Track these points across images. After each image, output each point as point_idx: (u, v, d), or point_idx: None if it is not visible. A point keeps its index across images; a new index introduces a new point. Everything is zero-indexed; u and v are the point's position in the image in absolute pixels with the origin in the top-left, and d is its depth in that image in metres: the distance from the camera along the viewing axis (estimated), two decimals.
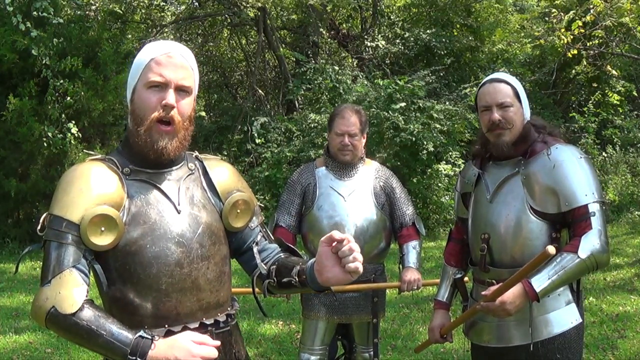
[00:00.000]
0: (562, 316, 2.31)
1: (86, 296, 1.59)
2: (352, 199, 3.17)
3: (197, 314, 1.71)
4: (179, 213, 1.72)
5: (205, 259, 1.73)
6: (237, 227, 1.86)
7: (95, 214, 1.59)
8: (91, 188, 1.63)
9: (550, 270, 2.17)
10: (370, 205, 3.19)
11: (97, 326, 1.54)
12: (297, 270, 1.74)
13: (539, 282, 2.17)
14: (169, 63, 1.68)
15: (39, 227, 1.65)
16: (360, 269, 1.57)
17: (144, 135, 1.68)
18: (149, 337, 1.56)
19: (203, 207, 1.78)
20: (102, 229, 1.61)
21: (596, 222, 2.21)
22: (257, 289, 1.89)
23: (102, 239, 1.61)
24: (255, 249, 1.89)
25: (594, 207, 2.23)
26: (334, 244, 1.58)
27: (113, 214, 1.62)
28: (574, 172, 2.27)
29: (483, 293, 2.27)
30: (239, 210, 1.85)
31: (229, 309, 1.82)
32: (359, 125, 3.15)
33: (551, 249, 1.95)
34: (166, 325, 1.66)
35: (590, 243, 2.18)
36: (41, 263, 1.65)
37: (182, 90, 1.70)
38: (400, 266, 3.28)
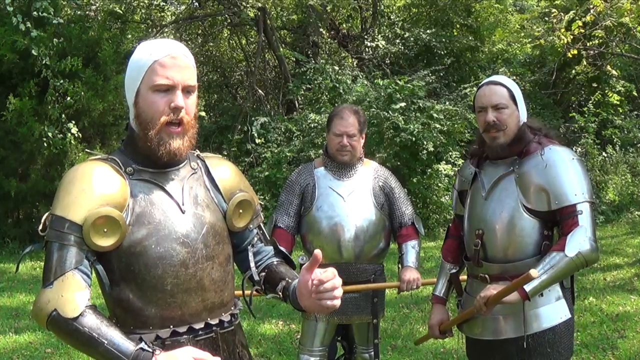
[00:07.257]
0: (552, 311, 2.38)
1: (88, 300, 1.57)
2: (352, 199, 3.17)
3: (202, 314, 1.71)
4: (183, 213, 1.71)
5: (210, 259, 1.73)
6: (240, 227, 1.86)
7: (99, 215, 1.58)
8: (94, 188, 1.61)
9: (540, 270, 2.22)
10: (369, 206, 3.19)
11: (98, 334, 1.53)
12: (282, 286, 1.79)
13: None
14: (174, 64, 1.66)
15: (40, 227, 1.63)
16: (338, 305, 1.61)
17: (156, 138, 1.66)
18: (150, 350, 1.55)
19: (207, 206, 1.78)
20: (105, 230, 1.59)
21: (583, 220, 2.26)
22: (247, 292, 1.95)
23: (105, 240, 1.60)
24: (250, 252, 1.91)
25: (583, 207, 2.28)
26: (314, 280, 1.60)
27: (116, 216, 1.60)
28: (565, 172, 2.33)
29: (482, 295, 2.31)
30: (241, 210, 1.85)
31: (232, 308, 1.83)
32: (358, 126, 3.16)
33: (534, 273, 2.10)
34: (171, 326, 1.66)
35: (577, 241, 2.23)
36: (42, 263, 1.64)
37: (187, 90, 1.69)
38: (400, 266, 3.28)
